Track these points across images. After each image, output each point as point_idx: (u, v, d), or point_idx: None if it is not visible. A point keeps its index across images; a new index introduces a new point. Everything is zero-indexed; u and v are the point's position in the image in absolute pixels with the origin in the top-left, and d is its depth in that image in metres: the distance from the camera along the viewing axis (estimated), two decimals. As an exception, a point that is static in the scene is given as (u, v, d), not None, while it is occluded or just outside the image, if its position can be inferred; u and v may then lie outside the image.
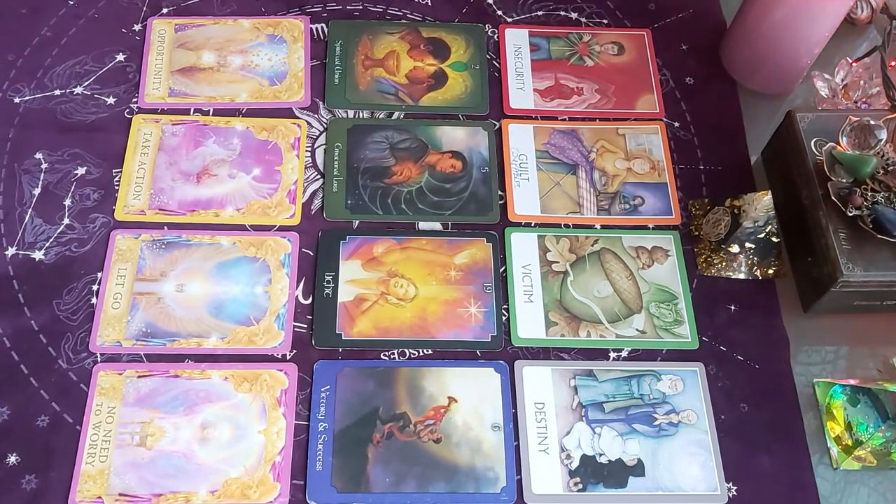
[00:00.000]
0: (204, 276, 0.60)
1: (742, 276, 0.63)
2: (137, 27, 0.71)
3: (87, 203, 0.62)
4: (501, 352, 0.59)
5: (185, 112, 0.67)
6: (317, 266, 0.61)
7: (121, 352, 0.57)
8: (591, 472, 0.55)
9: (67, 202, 0.62)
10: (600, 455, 0.56)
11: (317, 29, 0.73)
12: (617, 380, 0.59)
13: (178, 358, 0.57)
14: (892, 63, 0.67)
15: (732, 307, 0.62)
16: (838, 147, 0.60)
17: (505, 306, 0.61)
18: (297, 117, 0.68)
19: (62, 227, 0.61)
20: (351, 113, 0.69)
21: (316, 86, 0.70)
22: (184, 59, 0.70)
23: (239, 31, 0.72)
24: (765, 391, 0.59)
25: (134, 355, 0.57)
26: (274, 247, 0.61)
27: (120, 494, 0.52)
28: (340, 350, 0.59)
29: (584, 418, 0.57)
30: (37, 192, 0.63)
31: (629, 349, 0.60)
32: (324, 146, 0.67)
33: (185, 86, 0.68)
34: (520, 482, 0.55)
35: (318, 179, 0.65)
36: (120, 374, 0.56)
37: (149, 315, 0.58)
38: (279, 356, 0.58)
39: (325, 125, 0.68)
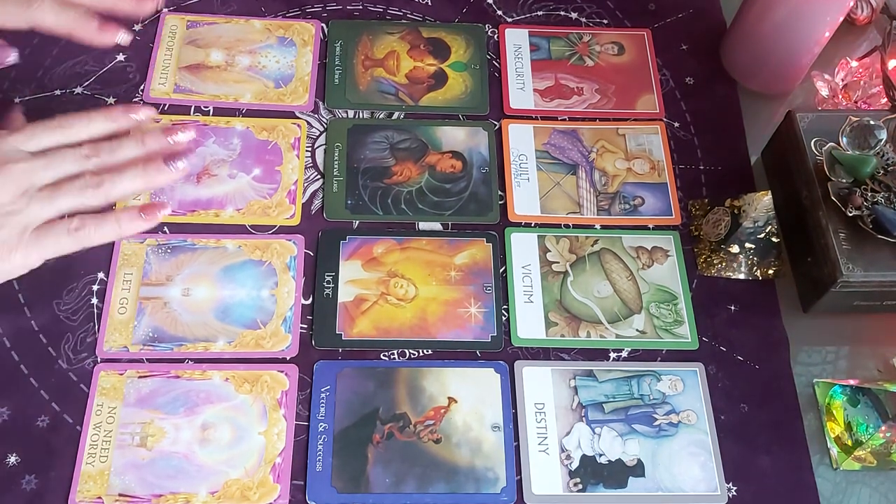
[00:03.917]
0: (210, 280, 0.60)
1: (742, 276, 0.63)
2: (137, 27, 0.71)
3: (88, 203, 0.62)
4: (501, 352, 0.59)
5: (187, 111, 0.67)
6: (317, 266, 0.61)
7: (127, 357, 0.57)
8: (591, 472, 0.55)
9: (67, 202, 0.62)
10: (600, 455, 0.56)
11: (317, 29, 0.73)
12: (617, 380, 0.59)
13: (178, 358, 0.57)
14: (893, 63, 0.67)
15: (732, 307, 0.62)
16: (838, 147, 0.60)
17: (505, 306, 0.61)
18: (298, 117, 0.68)
19: (62, 226, 0.61)
20: (351, 113, 0.69)
21: (316, 86, 0.70)
22: (192, 56, 0.70)
23: (250, 32, 0.72)
24: (765, 391, 0.59)
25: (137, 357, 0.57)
26: (279, 250, 0.61)
27: (120, 495, 0.52)
28: (340, 350, 0.59)
29: (584, 418, 0.57)
30: (37, 192, 0.63)
31: (629, 349, 0.60)
32: (324, 146, 0.67)
33: (191, 83, 0.68)
34: (520, 482, 0.55)
35: (318, 179, 0.65)
36: (121, 375, 0.56)
37: (155, 320, 0.58)
38: (286, 359, 0.58)
39: (325, 125, 0.68)
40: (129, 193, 0.53)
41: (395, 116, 0.69)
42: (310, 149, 0.67)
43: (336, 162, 0.66)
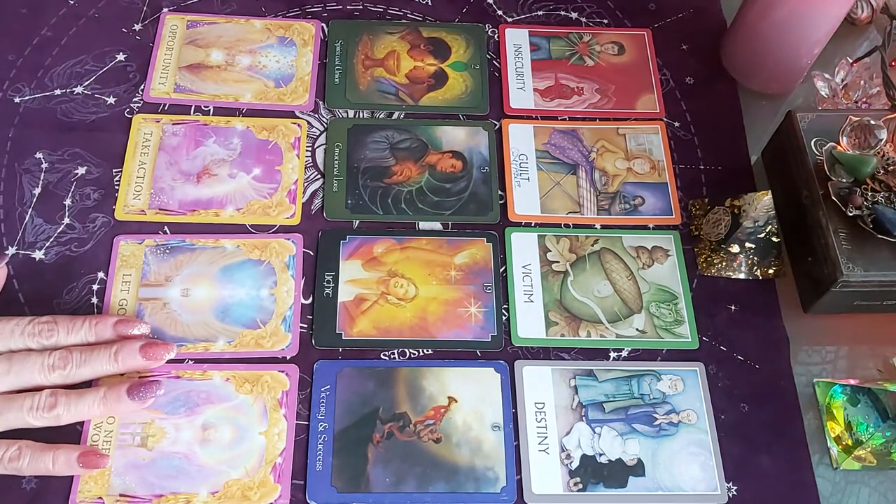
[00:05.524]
0: (209, 280, 0.60)
1: (742, 276, 0.63)
2: (138, 27, 0.71)
3: (88, 203, 0.62)
4: (501, 352, 0.59)
5: (187, 110, 0.67)
6: (317, 266, 0.61)
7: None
8: (591, 471, 0.55)
9: (68, 202, 0.62)
10: (600, 455, 0.56)
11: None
12: (617, 380, 0.59)
13: (178, 358, 0.57)
14: (893, 63, 0.67)
15: (732, 307, 0.62)
16: (838, 147, 0.60)
17: (505, 306, 0.61)
18: (298, 117, 0.68)
19: (62, 226, 0.61)
20: (351, 113, 0.69)
21: (316, 86, 0.70)
22: (192, 55, 0.70)
23: (250, 31, 0.72)
24: (765, 391, 0.59)
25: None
26: (278, 249, 0.61)
27: (121, 495, 0.52)
28: (340, 350, 0.59)
29: (584, 418, 0.57)
30: (37, 191, 0.63)
31: (629, 349, 0.60)
32: (324, 146, 0.67)
33: (191, 83, 0.68)
34: (520, 482, 0.55)
35: (318, 179, 0.65)
36: (121, 375, 0.56)
37: (155, 320, 0.58)
38: (286, 359, 0.58)
39: (325, 125, 0.68)
40: (80, 420, 0.52)
41: (395, 116, 0.69)
42: (310, 148, 0.67)
43: (336, 162, 0.66)
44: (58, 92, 0.67)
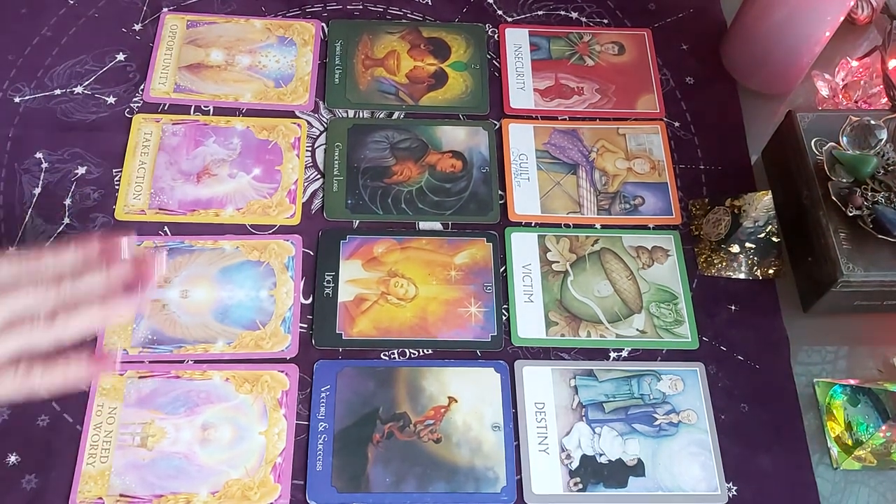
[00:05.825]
0: (208, 282, 0.60)
1: (742, 276, 0.63)
2: (138, 27, 0.71)
3: (88, 203, 0.62)
4: (501, 352, 0.59)
5: (187, 110, 0.67)
6: (317, 266, 0.61)
7: (126, 359, 0.57)
8: (591, 472, 0.55)
9: (67, 202, 0.62)
10: (600, 455, 0.56)
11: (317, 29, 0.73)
12: (617, 380, 0.59)
13: (178, 359, 0.57)
14: (893, 63, 0.67)
15: (732, 307, 0.62)
16: (838, 147, 0.60)
17: (505, 306, 0.61)
18: (298, 117, 0.68)
19: (62, 226, 0.61)
20: (351, 113, 0.69)
21: (316, 85, 0.70)
22: (192, 55, 0.70)
23: (250, 31, 0.72)
24: (765, 391, 0.59)
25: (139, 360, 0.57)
26: (277, 250, 0.61)
27: (121, 495, 0.52)
28: (340, 350, 0.59)
29: (584, 418, 0.57)
30: (37, 191, 0.63)
31: (629, 349, 0.60)
32: (324, 146, 0.67)
33: (191, 82, 0.68)
34: (520, 482, 0.55)
35: (318, 179, 0.65)
36: (121, 375, 0.56)
37: (154, 322, 0.58)
38: (286, 358, 0.58)
39: (325, 125, 0.68)
40: (83, 334, 0.48)
41: (395, 116, 0.69)
42: (310, 148, 0.67)
43: (336, 161, 0.66)
44: (58, 92, 0.67)
